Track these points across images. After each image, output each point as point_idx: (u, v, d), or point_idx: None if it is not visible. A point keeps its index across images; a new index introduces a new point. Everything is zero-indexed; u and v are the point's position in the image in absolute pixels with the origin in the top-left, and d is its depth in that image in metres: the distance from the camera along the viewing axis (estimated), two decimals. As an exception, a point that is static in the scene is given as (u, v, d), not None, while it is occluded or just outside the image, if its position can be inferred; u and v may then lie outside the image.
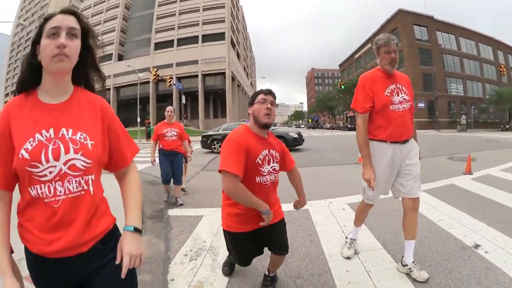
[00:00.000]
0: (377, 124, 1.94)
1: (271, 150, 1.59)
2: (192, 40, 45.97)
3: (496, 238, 2.69)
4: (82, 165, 0.81)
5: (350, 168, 6.73)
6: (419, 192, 1.99)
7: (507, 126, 34.38)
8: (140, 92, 31.05)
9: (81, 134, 0.83)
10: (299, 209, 1.91)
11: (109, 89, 45.71)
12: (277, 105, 1.67)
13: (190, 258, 2.36)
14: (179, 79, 42.96)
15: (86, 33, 0.88)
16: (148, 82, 38.57)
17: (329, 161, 8.06)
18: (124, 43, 52.61)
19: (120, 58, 50.05)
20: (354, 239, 2.35)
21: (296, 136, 11.20)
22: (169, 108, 4.11)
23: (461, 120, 32.20)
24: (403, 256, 2.05)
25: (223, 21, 46.28)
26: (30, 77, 0.84)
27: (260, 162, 1.51)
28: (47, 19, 0.82)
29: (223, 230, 1.64)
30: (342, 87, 31.98)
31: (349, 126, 43.04)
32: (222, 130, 11.76)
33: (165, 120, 4.06)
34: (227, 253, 2.32)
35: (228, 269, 2.05)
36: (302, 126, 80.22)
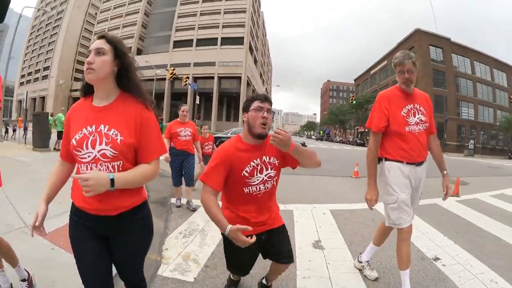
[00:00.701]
0: (395, 145, 1.90)
1: (264, 157, 1.49)
2: (211, 41, 46.68)
3: (458, 255, 2.78)
4: (110, 154, 1.04)
5: (343, 180, 7.19)
6: (415, 210, 2.03)
7: None
8: (155, 88, 31.88)
9: (114, 131, 1.05)
10: None
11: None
12: (274, 112, 1.61)
13: (184, 236, 2.87)
14: (195, 79, 43.72)
15: (116, 50, 1.10)
16: (164, 79, 39.35)
17: (325, 171, 8.14)
18: (144, 38, 53.55)
19: (139, 52, 50.97)
20: (368, 261, 2.29)
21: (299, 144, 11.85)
22: (183, 107, 3.89)
23: (469, 144, 32.31)
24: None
25: (243, 25, 46.89)
26: (87, 87, 1.14)
27: (247, 174, 1.45)
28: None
29: (221, 233, 1.49)
30: (354, 102, 32.48)
31: (358, 141, 42.96)
32: (230, 134, 12.48)
33: (178, 119, 3.88)
34: (214, 235, 2.88)
35: None
36: (313, 137, 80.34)
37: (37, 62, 67.59)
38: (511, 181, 9.23)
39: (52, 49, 63.40)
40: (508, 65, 44.35)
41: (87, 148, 1.04)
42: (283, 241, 1.59)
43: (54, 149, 9.31)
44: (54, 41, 63.40)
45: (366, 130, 51.45)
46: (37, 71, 67.00)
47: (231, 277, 1.90)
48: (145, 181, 1.12)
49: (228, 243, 1.48)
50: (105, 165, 1.05)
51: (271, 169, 1.50)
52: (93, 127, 1.06)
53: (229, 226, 1.26)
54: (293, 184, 5.67)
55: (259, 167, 1.47)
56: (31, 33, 72.54)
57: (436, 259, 2.74)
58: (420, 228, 3.50)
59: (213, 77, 44.91)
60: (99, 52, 1.06)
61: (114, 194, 1.05)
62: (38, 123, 9.27)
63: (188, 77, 29.55)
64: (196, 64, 45.49)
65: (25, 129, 13.23)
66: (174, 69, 24.47)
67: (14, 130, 13.95)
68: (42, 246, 2.00)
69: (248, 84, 47.50)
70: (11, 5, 3.00)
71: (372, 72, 52.00)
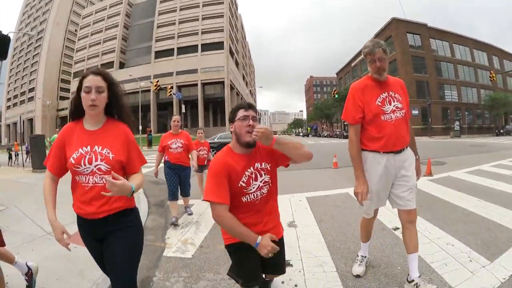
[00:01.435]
0: (370, 135, 1.87)
1: (256, 164, 1.50)
2: (192, 49, 46.84)
3: (418, 225, 2.82)
4: (105, 168, 1.27)
5: (323, 172, 7.61)
6: (414, 203, 1.92)
7: (501, 131, 34.71)
8: (141, 100, 31.99)
9: (106, 150, 1.29)
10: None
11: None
12: (259, 118, 1.78)
13: (181, 227, 3.52)
14: (179, 87, 43.87)
15: (111, 85, 1.33)
16: (149, 90, 39.30)
17: (305, 165, 8.38)
18: (126, 51, 53.49)
19: (122, 66, 51.02)
20: (365, 256, 2.24)
21: None
22: (175, 117, 3.77)
23: (455, 126, 32.59)
24: (408, 274, 1.96)
25: (222, 30, 47.10)
26: (77, 112, 1.35)
27: (244, 184, 1.46)
28: (84, 77, 1.29)
29: (225, 246, 1.56)
30: (336, 96, 32.78)
31: (345, 134, 43.17)
32: (217, 139, 12.59)
33: (170, 131, 3.76)
34: (207, 225, 3.45)
35: None
36: (300, 134, 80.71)
37: (22, 84, 67.18)
38: (490, 157, 9.54)
39: (36, 69, 63.09)
40: (488, 44, 44.94)
41: (85, 165, 1.27)
42: (280, 254, 1.58)
43: None
44: (37, 61, 63.11)
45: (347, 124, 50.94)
46: (23, 93, 66.58)
47: None
48: (141, 186, 1.38)
49: (238, 257, 1.53)
50: (100, 177, 1.28)
51: (265, 175, 1.52)
52: (88, 147, 1.28)
53: (260, 237, 1.35)
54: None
55: (253, 175, 1.49)
56: (13, 55, 72.04)
57: (396, 228, 3.06)
58: (386, 206, 3.91)
59: (196, 84, 45.10)
60: (99, 90, 1.27)
61: (103, 198, 1.26)
62: (35, 145, 9.49)
63: (172, 87, 29.75)
64: (179, 73, 45.64)
65: (27, 152, 13.26)
66: (158, 81, 24.64)
67: (16, 155, 13.91)
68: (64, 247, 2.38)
69: (232, 87, 47.75)
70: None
71: (353, 64, 52.02)
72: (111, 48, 52.05)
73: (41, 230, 3.30)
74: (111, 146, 1.30)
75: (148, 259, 2.62)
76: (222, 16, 47.86)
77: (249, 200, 1.49)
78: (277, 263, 1.62)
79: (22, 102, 66.14)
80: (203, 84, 45.61)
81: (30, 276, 1.92)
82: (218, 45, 46.22)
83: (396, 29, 38.17)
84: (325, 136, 49.91)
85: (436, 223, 3.19)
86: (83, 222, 1.35)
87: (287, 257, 2.18)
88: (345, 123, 50.47)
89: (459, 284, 2.09)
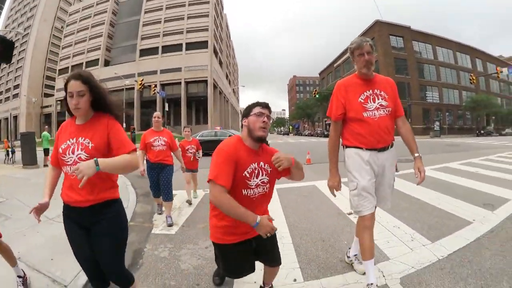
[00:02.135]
0: (353, 131, 1.88)
1: (261, 163, 1.56)
2: (176, 47, 46.65)
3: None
4: (84, 157, 1.37)
5: None
6: (390, 203, 1.97)
7: (482, 132, 35.52)
8: (125, 97, 31.93)
9: (87, 140, 1.40)
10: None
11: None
12: (272, 119, 1.70)
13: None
14: (163, 86, 43.69)
15: (92, 88, 1.41)
16: (133, 88, 39.22)
17: None
18: (111, 48, 52.93)
19: (107, 63, 50.49)
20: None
21: None
22: (156, 113, 3.69)
23: (435, 126, 33.27)
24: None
25: (207, 29, 47.03)
26: (70, 111, 1.46)
27: (247, 175, 1.50)
28: (67, 82, 1.40)
29: (215, 245, 1.62)
30: (317, 96, 33.11)
31: (325, 132, 43.82)
32: (199, 137, 12.49)
33: (152, 128, 3.65)
34: (188, 211, 3.88)
35: (219, 279, 2.07)
36: (281, 133, 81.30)
37: (7, 81, 65.99)
38: (462, 156, 10.11)
39: (21, 66, 62.10)
40: (471, 47, 45.84)
41: (69, 154, 1.39)
42: (273, 246, 1.68)
43: (45, 165, 9.46)
44: (23, 57, 62.06)
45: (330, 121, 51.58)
46: (8, 90, 65.49)
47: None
48: (126, 166, 1.36)
49: (225, 254, 1.59)
50: None
51: (265, 175, 1.57)
52: (74, 139, 1.41)
53: (259, 216, 1.36)
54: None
55: (256, 171, 1.54)
56: (-1, 51, 70.55)
57: (350, 213, 3.51)
58: (346, 195, 4.31)
59: (180, 83, 44.92)
60: (80, 94, 1.38)
61: (87, 188, 1.35)
62: (26, 142, 9.55)
63: (156, 85, 29.65)
64: (163, 71, 45.40)
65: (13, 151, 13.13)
66: (142, 79, 24.67)
67: (13, 152, 13.92)
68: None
69: (215, 86, 47.70)
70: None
71: (335, 65, 52.80)
72: (97, 45, 51.56)
73: (43, 216, 3.43)
74: (92, 136, 1.40)
75: (139, 236, 3.15)
76: (207, 15, 47.77)
77: (248, 194, 1.53)
78: (271, 255, 1.67)
79: (7, 99, 65.07)
80: (187, 83, 45.45)
81: (25, 280, 1.97)
82: (203, 44, 46.13)
83: (379, 31, 38.75)
84: (306, 135, 50.53)
85: (388, 210, 3.31)
86: (69, 211, 1.45)
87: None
88: (326, 122, 51.55)
89: (397, 256, 2.41)
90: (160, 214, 3.92)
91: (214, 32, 49.31)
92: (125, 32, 51.29)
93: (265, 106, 1.57)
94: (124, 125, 26.45)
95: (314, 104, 50.51)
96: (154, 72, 45.14)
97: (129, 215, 3.82)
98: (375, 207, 1.92)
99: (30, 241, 2.97)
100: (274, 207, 3.79)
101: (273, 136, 60.80)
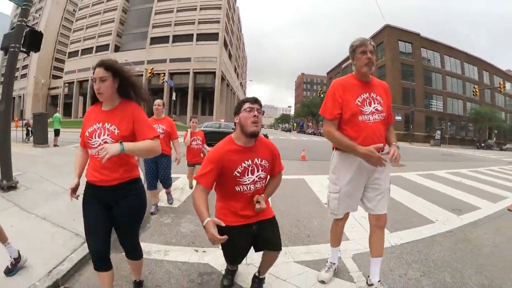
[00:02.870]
0: (346, 135, 1.78)
1: (256, 160, 1.59)
2: (187, 38, 46.81)
3: None
4: (110, 142, 1.44)
5: (291, 163, 8.13)
6: (385, 208, 1.88)
7: (482, 144, 35.56)
8: (132, 84, 32.04)
9: (114, 126, 1.49)
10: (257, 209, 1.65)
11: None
12: (263, 112, 1.67)
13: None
14: (171, 74, 43.97)
15: (116, 72, 1.49)
16: (142, 75, 39.61)
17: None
18: (122, 35, 53.16)
19: (117, 49, 50.71)
20: (333, 263, 2.13)
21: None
22: (157, 101, 3.58)
23: (436, 135, 33.48)
24: (368, 276, 1.97)
25: (218, 21, 47.20)
26: (95, 97, 1.55)
27: (238, 174, 1.55)
28: (95, 67, 1.49)
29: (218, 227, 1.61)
30: (322, 95, 33.43)
31: None
32: (203, 127, 12.83)
33: (154, 116, 3.56)
34: (191, 191, 4.26)
35: (229, 281, 1.96)
36: (284, 130, 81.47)
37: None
38: (453, 165, 10.33)
39: (31, 46, 62.38)
40: (479, 58, 45.83)
41: (95, 138, 1.48)
42: (273, 231, 1.68)
43: (54, 145, 10.00)
44: (33, 38, 62.39)
45: (323, 121, 50.41)
46: (16, 69, 65.84)
47: (229, 267, 1.96)
48: (149, 149, 1.48)
49: (224, 232, 1.54)
50: None
51: (262, 171, 1.61)
52: (100, 124, 1.50)
53: (207, 219, 1.39)
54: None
55: (250, 168, 1.57)
56: (11, 29, 70.69)
57: (326, 204, 3.98)
58: (327, 186, 4.90)
59: (188, 73, 45.14)
60: (102, 80, 1.47)
61: (113, 168, 1.48)
62: (39, 122, 10.03)
63: (164, 74, 29.99)
64: (172, 60, 45.59)
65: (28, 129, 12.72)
66: (152, 68, 24.88)
67: (32, 131, 13.52)
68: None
69: (223, 79, 47.95)
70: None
71: (343, 65, 52.87)
72: (108, 31, 51.78)
73: (60, 187, 4.21)
74: (119, 123, 1.50)
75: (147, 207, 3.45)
76: (220, 7, 47.94)
77: (242, 191, 1.58)
78: (271, 239, 1.65)
79: (15, 78, 65.43)
80: (195, 73, 45.71)
81: (16, 263, 1.95)
82: (213, 36, 46.30)
83: (388, 35, 38.84)
84: (309, 133, 50.81)
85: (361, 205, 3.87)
86: (93, 189, 1.54)
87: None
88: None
89: (356, 239, 2.84)
90: (153, 214, 3.42)
91: (225, 24, 49.46)
92: (137, 19, 51.50)
93: (254, 101, 1.59)
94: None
95: (320, 103, 50.37)
96: (164, 61, 45.35)
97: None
98: (375, 215, 1.91)
99: (53, 206, 3.34)
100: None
101: (277, 132, 61.09)
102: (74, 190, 1.57)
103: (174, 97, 32.64)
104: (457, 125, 42.25)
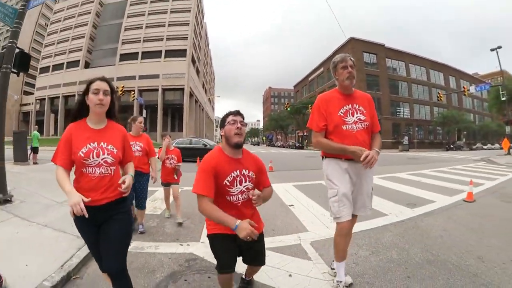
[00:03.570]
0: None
1: (244, 170, 1.65)
2: (156, 54, 46.99)
3: (308, 203, 4.45)
4: (110, 161, 1.53)
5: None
6: (369, 210, 2.07)
7: (451, 146, 36.88)
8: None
9: (111, 146, 1.55)
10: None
11: (74, 95, 46.38)
12: (246, 124, 1.74)
13: (152, 200, 4.86)
14: (140, 91, 43.86)
15: (112, 91, 1.59)
16: (111, 92, 39.43)
17: None
18: (92, 50, 52.65)
19: (87, 65, 50.24)
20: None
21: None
22: (140, 118, 3.43)
23: (404, 140, 34.68)
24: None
25: (186, 38, 47.59)
26: (80, 113, 1.59)
27: (228, 183, 1.61)
28: (91, 82, 1.55)
29: (208, 236, 1.69)
30: (288, 109, 34.13)
31: (297, 145, 45.19)
32: (175, 144, 12.93)
33: (131, 132, 3.35)
34: (171, 199, 4.20)
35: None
36: (254, 144, 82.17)
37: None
38: (416, 167, 10.71)
39: (2, 62, 60.99)
40: (445, 65, 47.56)
41: (93, 157, 1.50)
42: (259, 247, 1.75)
43: (34, 163, 10.16)
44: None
45: (306, 133, 50.97)
46: (-13, 85, 64.16)
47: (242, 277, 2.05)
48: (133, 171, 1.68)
49: (217, 244, 1.66)
50: (105, 167, 1.54)
51: (249, 182, 1.68)
52: (95, 143, 1.52)
53: (239, 220, 1.44)
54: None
55: (238, 179, 1.64)
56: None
57: (291, 205, 4.44)
58: (293, 194, 5.42)
59: (157, 89, 45.31)
60: (106, 93, 1.54)
61: (102, 189, 1.51)
62: (18, 140, 10.01)
63: (134, 91, 30.05)
64: (142, 77, 45.64)
65: None
66: (123, 86, 24.87)
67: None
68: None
69: (191, 95, 48.23)
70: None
71: (310, 78, 54.12)
72: (79, 46, 51.25)
73: (52, 201, 4.43)
74: (114, 143, 1.57)
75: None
76: (188, 24, 48.33)
77: (232, 201, 1.65)
78: (256, 255, 1.76)
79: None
80: (164, 90, 45.89)
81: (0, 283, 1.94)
82: (181, 52, 46.64)
83: (352, 48, 39.73)
84: (278, 146, 51.72)
85: (322, 204, 4.38)
86: (87, 209, 1.45)
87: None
88: (299, 135, 51.88)
89: (314, 230, 3.29)
90: (142, 233, 3.34)
91: (193, 40, 49.88)
92: (107, 35, 51.12)
93: (237, 113, 1.69)
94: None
95: (287, 116, 51.37)
96: (133, 78, 45.33)
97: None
98: (353, 215, 2.03)
99: (50, 215, 3.65)
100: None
101: (246, 146, 60.84)
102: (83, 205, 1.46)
103: (144, 114, 32.64)
104: (425, 129, 43.65)
